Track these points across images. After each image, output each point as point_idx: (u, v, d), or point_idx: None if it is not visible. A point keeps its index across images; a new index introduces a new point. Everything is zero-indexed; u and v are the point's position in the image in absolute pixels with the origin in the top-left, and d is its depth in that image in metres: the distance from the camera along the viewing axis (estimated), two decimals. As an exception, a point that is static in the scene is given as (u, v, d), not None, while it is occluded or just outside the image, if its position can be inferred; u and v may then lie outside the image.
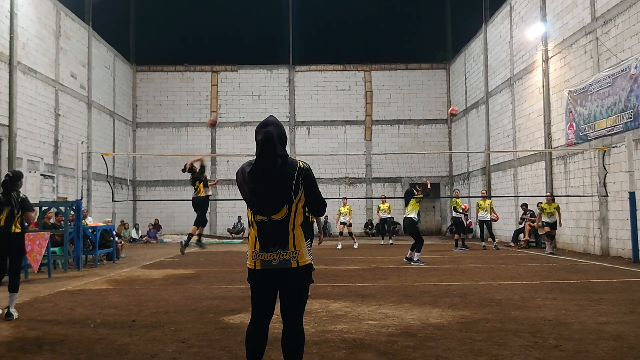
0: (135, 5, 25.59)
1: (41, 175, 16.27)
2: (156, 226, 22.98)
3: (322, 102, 25.35)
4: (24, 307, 6.58)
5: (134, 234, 21.91)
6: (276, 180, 3.01)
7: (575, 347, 4.41)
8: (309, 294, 7.01)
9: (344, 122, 25.24)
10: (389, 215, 18.66)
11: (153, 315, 6.03)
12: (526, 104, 16.95)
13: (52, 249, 10.58)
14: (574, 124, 13.99)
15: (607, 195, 12.32)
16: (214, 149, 24.79)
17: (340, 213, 17.28)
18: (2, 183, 6.26)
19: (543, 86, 15.62)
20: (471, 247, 15.54)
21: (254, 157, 3.10)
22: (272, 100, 25.21)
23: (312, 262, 3.26)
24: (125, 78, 24.22)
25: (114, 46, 22.73)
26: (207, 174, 10.34)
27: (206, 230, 22.48)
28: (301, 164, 3.11)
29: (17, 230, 6.09)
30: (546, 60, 15.49)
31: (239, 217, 23.85)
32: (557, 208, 13.46)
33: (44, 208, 11.56)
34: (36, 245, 9.57)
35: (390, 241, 18.49)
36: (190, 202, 10.16)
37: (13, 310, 5.90)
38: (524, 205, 16.42)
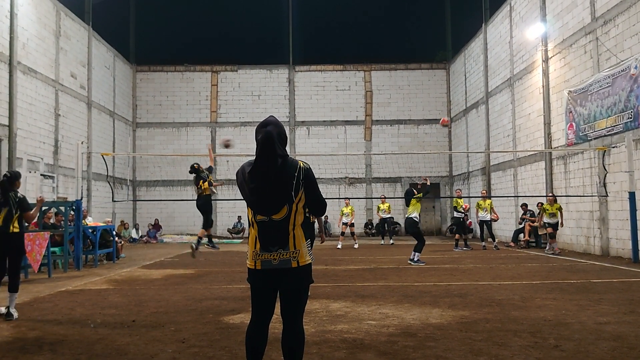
0: (135, 5, 25.59)
1: (41, 175, 16.27)
2: (156, 226, 22.98)
3: (322, 102, 25.35)
4: (24, 307, 6.58)
5: (134, 234, 21.91)
6: (276, 180, 3.01)
7: (575, 347, 4.41)
8: (309, 294, 7.03)
9: (344, 122, 25.25)
10: (388, 215, 18.66)
11: (153, 315, 6.03)
12: (526, 104, 16.95)
13: (52, 249, 10.58)
14: (574, 124, 13.99)
15: (607, 195, 12.32)
16: (214, 149, 24.77)
17: (343, 213, 17.36)
18: None
19: (543, 86, 15.62)
20: (471, 247, 15.52)
21: (254, 157, 3.10)
22: (272, 100, 25.22)
23: (312, 263, 3.25)
24: (125, 78, 24.22)
25: (114, 46, 22.73)
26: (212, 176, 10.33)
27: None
28: (301, 164, 3.11)
29: (16, 230, 6.09)
30: (546, 60, 15.49)
31: (239, 217, 23.85)
32: (560, 209, 13.40)
33: (44, 208, 11.55)
34: (36, 245, 9.56)
35: (391, 241, 18.50)
36: (195, 202, 10.12)
37: (13, 310, 5.91)
38: (524, 205, 16.42)
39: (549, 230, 13.46)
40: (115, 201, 15.85)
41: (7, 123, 14.59)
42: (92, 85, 20.32)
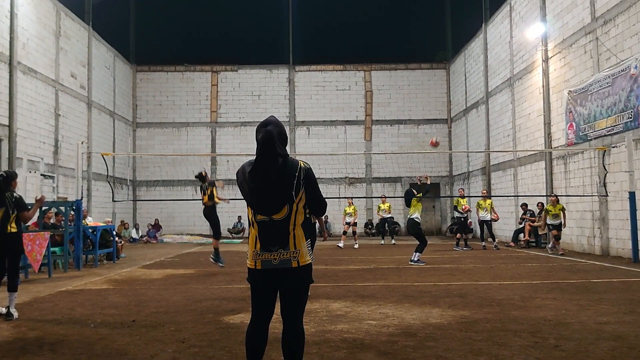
0: (135, 5, 25.60)
1: (41, 175, 16.28)
2: (156, 226, 22.98)
3: (322, 102, 25.35)
4: (24, 307, 6.59)
5: (134, 234, 21.91)
6: (277, 180, 3.01)
7: (575, 347, 4.41)
8: (309, 294, 7.03)
9: (344, 122, 25.25)
10: (389, 215, 18.67)
11: (153, 315, 6.03)
12: (526, 104, 16.95)
13: (52, 249, 10.58)
14: (574, 124, 13.99)
15: (607, 195, 12.32)
16: (214, 149, 24.80)
17: (346, 213, 17.40)
18: None
19: (543, 86, 15.62)
20: (472, 247, 15.52)
21: (255, 157, 3.10)
22: (272, 100, 25.22)
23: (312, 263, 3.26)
24: (125, 78, 24.23)
25: (114, 46, 22.74)
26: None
27: (206, 230, 22.54)
28: (302, 164, 3.11)
29: (13, 230, 6.07)
30: (546, 60, 15.49)
31: (239, 217, 23.85)
32: (562, 209, 13.21)
33: (44, 208, 11.56)
34: (36, 245, 9.57)
35: (393, 241, 18.51)
36: (203, 210, 10.32)
37: (13, 310, 5.91)
38: (524, 205, 16.42)
39: (554, 232, 13.29)
40: (115, 201, 15.85)
41: (7, 123, 14.59)
42: (92, 85, 20.32)
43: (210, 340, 4.81)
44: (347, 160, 24.31)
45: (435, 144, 12.31)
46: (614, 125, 12.18)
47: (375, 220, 23.74)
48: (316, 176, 3.20)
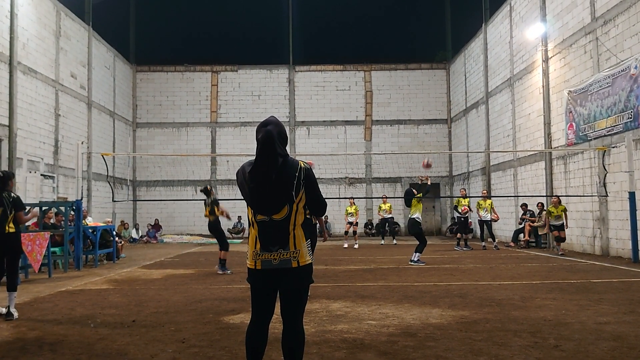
0: (135, 5, 25.60)
1: (41, 175, 16.28)
2: (156, 226, 22.98)
3: (322, 102, 25.35)
4: (24, 307, 6.59)
5: (134, 234, 21.91)
6: (277, 180, 3.01)
7: (575, 347, 4.41)
8: (309, 294, 7.03)
9: (344, 122, 25.25)
10: (389, 216, 18.70)
11: (153, 315, 6.03)
12: (526, 104, 16.95)
13: (52, 249, 10.58)
14: (573, 124, 13.99)
15: (607, 195, 12.32)
16: (214, 149, 24.80)
17: (348, 213, 17.45)
18: None
19: (543, 86, 15.62)
20: (471, 247, 15.51)
21: (254, 157, 3.10)
22: (272, 100, 25.22)
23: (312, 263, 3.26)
24: (125, 78, 24.23)
25: (114, 46, 22.74)
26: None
27: (206, 230, 22.48)
28: (302, 164, 3.12)
29: (12, 230, 6.06)
30: (546, 60, 15.49)
31: (239, 217, 23.85)
32: (564, 210, 13.13)
33: (44, 208, 11.56)
34: (36, 245, 9.57)
35: (394, 241, 18.53)
36: (207, 225, 10.46)
37: (13, 310, 5.91)
38: (524, 206, 16.43)
39: (556, 233, 13.15)
40: (115, 201, 15.85)
41: (7, 123, 14.59)
42: (92, 85, 20.32)
43: (210, 340, 4.81)
44: (347, 161, 24.31)
45: (427, 166, 12.16)
46: (614, 126, 12.18)
47: (375, 221, 23.75)
48: (316, 176, 3.20)
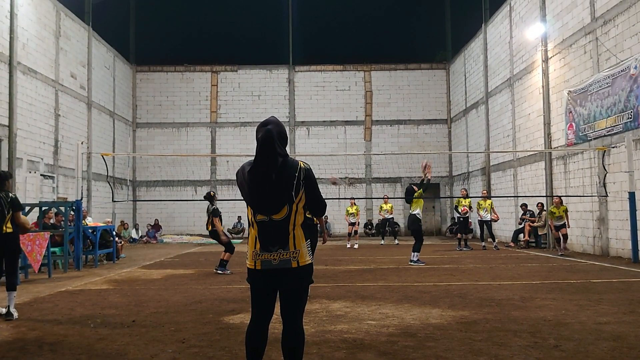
0: (135, 5, 25.60)
1: (41, 175, 16.27)
2: (156, 226, 22.98)
3: (322, 102, 25.35)
4: (24, 307, 6.59)
5: (133, 234, 21.91)
6: (277, 180, 3.01)
7: (575, 347, 4.41)
8: (308, 294, 7.03)
9: (343, 122, 25.25)
10: (391, 216, 18.73)
11: (153, 315, 6.03)
12: (526, 104, 16.95)
13: (52, 249, 10.58)
14: (573, 124, 13.99)
15: (606, 196, 12.32)
16: (214, 149, 24.80)
17: (349, 213, 17.50)
18: None
19: (543, 86, 15.62)
20: (471, 247, 15.51)
21: (254, 156, 3.10)
22: (272, 101, 25.22)
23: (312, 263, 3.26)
24: (125, 78, 24.23)
25: (114, 46, 22.74)
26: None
27: (206, 230, 22.47)
28: (302, 164, 3.12)
29: (9, 231, 6.04)
30: (546, 60, 15.49)
31: (239, 217, 23.86)
32: (566, 210, 13.08)
33: (44, 208, 11.57)
34: (36, 245, 9.57)
35: (396, 241, 18.56)
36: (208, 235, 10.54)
37: (13, 310, 5.90)
38: (524, 206, 16.43)
39: (556, 234, 13.08)
40: (115, 201, 15.84)
41: (7, 123, 14.59)
42: (92, 86, 20.32)
43: (210, 340, 4.81)
44: (347, 161, 24.31)
45: (425, 168, 11.36)
46: (614, 126, 12.18)
47: (375, 221, 23.76)
48: (316, 176, 3.20)
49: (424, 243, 11.70)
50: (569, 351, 4.31)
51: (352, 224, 17.40)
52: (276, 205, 3.03)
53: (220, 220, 10.21)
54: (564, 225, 13.07)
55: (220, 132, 25.08)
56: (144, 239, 22.00)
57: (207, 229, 10.29)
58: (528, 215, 16.11)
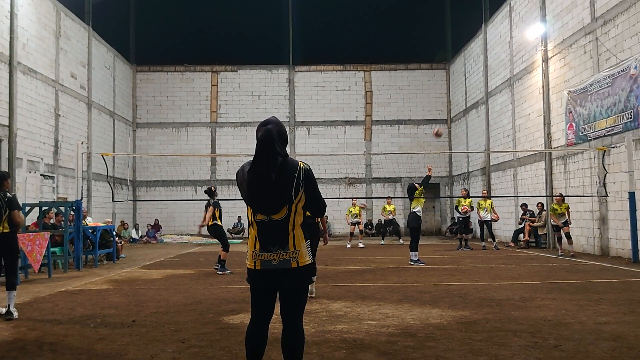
0: (135, 5, 25.60)
1: (41, 175, 16.27)
2: (156, 226, 22.98)
3: (322, 102, 25.35)
4: (24, 307, 6.59)
5: (134, 234, 21.91)
6: (276, 180, 3.01)
7: (575, 347, 4.41)
8: (308, 294, 7.03)
9: (344, 122, 25.25)
10: (393, 217, 18.76)
11: (153, 315, 6.03)
12: (526, 104, 16.95)
13: (52, 249, 10.58)
14: (573, 124, 13.99)
15: (606, 195, 12.32)
16: (214, 149, 24.80)
17: (351, 213, 17.56)
18: None
19: (543, 86, 15.62)
20: (471, 247, 15.51)
21: (254, 156, 3.10)
22: (272, 101, 25.22)
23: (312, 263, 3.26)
24: (125, 78, 24.23)
25: (114, 46, 22.74)
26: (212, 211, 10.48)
27: (206, 230, 22.45)
28: (302, 165, 3.12)
29: (6, 231, 6.04)
30: (546, 60, 15.49)
31: (239, 217, 23.86)
32: (568, 208, 12.97)
33: (44, 208, 11.57)
34: (36, 245, 9.57)
35: (401, 241, 18.61)
36: (207, 228, 10.45)
37: (13, 310, 5.90)
38: (524, 206, 16.43)
39: (558, 234, 13.02)
40: (115, 201, 15.84)
41: (7, 123, 14.59)
42: (92, 86, 20.32)
43: (210, 340, 4.81)
44: (347, 161, 24.31)
45: (437, 135, 12.50)
46: (614, 126, 12.18)
47: (375, 221, 23.75)
48: (316, 176, 3.20)
49: (420, 243, 11.75)
50: (569, 351, 4.31)
51: (355, 224, 17.49)
52: (276, 205, 3.03)
53: (220, 215, 10.19)
54: (565, 223, 12.92)
55: (220, 132, 25.07)
56: (144, 239, 22.00)
57: (208, 223, 10.25)
58: (528, 215, 16.11)
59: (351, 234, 17.65)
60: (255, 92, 25.29)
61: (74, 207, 11.50)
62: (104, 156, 13.42)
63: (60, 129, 17.70)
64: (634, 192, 11.16)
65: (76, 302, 6.99)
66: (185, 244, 20.62)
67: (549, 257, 12.56)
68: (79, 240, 11.25)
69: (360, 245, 16.92)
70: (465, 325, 5.28)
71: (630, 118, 11.55)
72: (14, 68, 14.86)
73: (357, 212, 17.53)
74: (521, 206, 16.60)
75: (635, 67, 11.29)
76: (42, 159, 16.37)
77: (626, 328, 5.07)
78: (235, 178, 3.27)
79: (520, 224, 16.72)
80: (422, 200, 11.49)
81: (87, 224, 12.50)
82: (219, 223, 10.22)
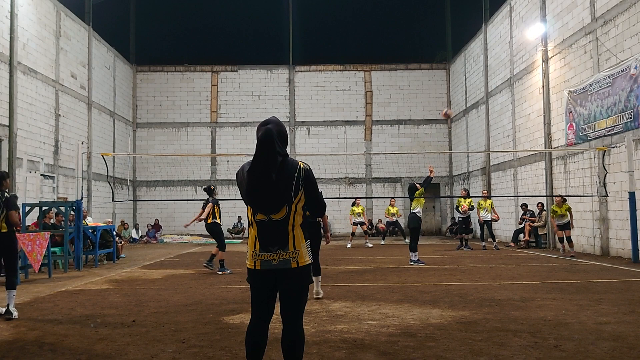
0: (135, 5, 25.60)
1: (41, 175, 16.27)
2: (156, 226, 22.98)
3: (322, 102, 25.35)
4: (24, 307, 6.59)
5: (134, 234, 21.91)
6: (276, 180, 3.01)
7: (575, 347, 4.41)
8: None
9: (344, 122, 25.25)
10: (396, 219, 18.77)
11: (153, 315, 6.03)
12: (526, 104, 16.95)
13: (52, 249, 10.59)
14: (574, 124, 13.99)
15: (607, 195, 12.32)
16: (214, 149, 24.80)
17: (355, 213, 17.57)
18: None
19: (543, 86, 15.62)
20: (471, 247, 15.51)
21: (253, 155, 3.10)
22: (272, 101, 25.22)
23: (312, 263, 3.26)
24: (125, 78, 24.23)
25: (114, 46, 22.74)
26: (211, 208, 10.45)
27: (206, 230, 22.47)
28: (302, 165, 3.12)
29: (4, 231, 6.03)
30: (546, 60, 15.49)
31: (239, 217, 23.86)
32: (569, 209, 12.89)
33: (44, 208, 11.57)
34: (36, 245, 9.56)
35: (407, 240, 18.60)
36: (205, 225, 10.45)
37: (12, 309, 5.90)
38: (524, 206, 16.43)
39: (560, 233, 12.95)
40: (115, 201, 15.84)
41: (7, 123, 14.59)
42: (92, 86, 20.32)
43: (210, 340, 4.81)
44: (347, 161, 24.31)
45: (447, 116, 12.60)
46: (614, 126, 12.18)
47: (375, 221, 23.74)
48: (316, 176, 3.21)
49: (419, 243, 11.77)
50: (569, 351, 4.31)
51: (357, 224, 17.53)
52: (275, 205, 3.03)
53: (220, 213, 10.19)
54: (567, 224, 12.85)
55: (221, 132, 25.08)
56: (144, 239, 22.00)
57: (208, 220, 10.21)
58: (528, 215, 16.11)
59: (353, 233, 17.66)
60: (256, 92, 25.29)
61: (74, 207, 11.50)
62: (104, 156, 13.42)
63: (60, 129, 17.71)
64: (634, 192, 11.16)
65: (76, 302, 6.99)
66: (185, 244, 20.62)
67: (549, 257, 12.56)
68: (79, 240, 11.25)
69: (369, 245, 16.93)
70: (465, 325, 5.28)
71: (631, 118, 11.55)
72: (14, 68, 14.86)
73: (361, 211, 17.55)
74: (521, 206, 16.60)
75: (636, 67, 11.29)
76: (42, 159, 16.37)
77: (626, 328, 5.07)
78: (235, 178, 3.27)
79: (520, 224, 16.72)
80: (422, 200, 11.52)
81: (87, 224, 12.50)
82: (218, 221, 10.21)
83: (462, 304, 6.48)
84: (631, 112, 11.53)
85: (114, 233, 13.31)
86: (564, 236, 12.92)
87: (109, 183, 14.96)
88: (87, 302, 7.03)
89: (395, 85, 25.44)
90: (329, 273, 9.80)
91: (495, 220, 16.20)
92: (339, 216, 23.68)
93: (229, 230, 23.71)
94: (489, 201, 15.63)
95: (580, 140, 13.68)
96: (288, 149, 3.32)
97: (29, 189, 15.30)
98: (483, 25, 20.75)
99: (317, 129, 25.22)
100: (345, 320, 5.58)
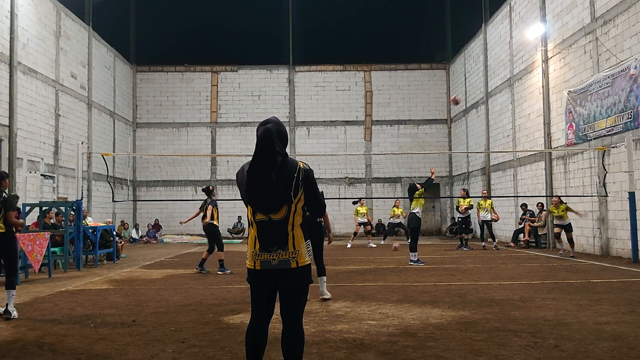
0: (135, 5, 25.60)
1: (41, 175, 16.27)
2: (156, 226, 22.98)
3: (322, 103, 25.36)
4: (24, 307, 6.59)
5: (134, 234, 21.92)
6: (276, 180, 3.01)
7: (575, 347, 4.41)
8: (308, 294, 7.02)
9: (344, 122, 25.25)
10: (399, 220, 18.76)
11: (153, 315, 6.03)
12: (526, 104, 16.96)
13: (52, 249, 10.58)
14: (573, 124, 13.99)
15: (606, 195, 12.32)
16: (214, 149, 24.80)
17: (359, 213, 17.60)
18: None
19: (543, 86, 15.62)
20: (471, 247, 15.51)
21: (253, 154, 3.10)
22: (272, 101, 25.22)
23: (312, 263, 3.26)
24: (125, 78, 24.23)
25: (114, 46, 22.74)
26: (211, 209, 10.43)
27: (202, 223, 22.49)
28: (301, 165, 3.12)
29: (1, 231, 6.02)
30: (546, 60, 15.49)
31: (239, 217, 23.86)
32: (567, 210, 12.77)
33: (44, 208, 11.57)
34: (36, 245, 9.56)
35: (409, 240, 18.61)
36: (202, 226, 10.45)
37: (12, 309, 5.89)
38: (524, 206, 16.43)
39: (558, 230, 12.96)
40: (115, 201, 15.84)
41: (7, 123, 14.59)
42: (92, 86, 20.32)
43: (210, 340, 4.81)
44: (347, 161, 24.31)
45: (455, 102, 12.63)
46: (614, 126, 12.18)
47: (376, 221, 23.73)
48: (316, 176, 3.21)
49: (419, 243, 11.78)
50: (569, 351, 4.31)
51: (363, 224, 17.57)
52: (275, 205, 3.04)
53: (217, 215, 10.19)
54: (569, 226, 12.73)
55: (221, 132, 25.08)
56: (144, 239, 22.00)
57: (203, 221, 10.22)
58: (528, 215, 16.11)
59: (355, 233, 17.67)
60: (255, 92, 25.29)
61: (74, 207, 11.50)
62: (104, 156, 13.41)
63: (60, 129, 17.71)
64: (634, 192, 11.16)
65: (76, 302, 6.99)
66: (185, 244, 20.62)
67: (549, 257, 12.56)
68: (79, 240, 11.25)
69: (372, 245, 16.92)
70: (465, 325, 5.28)
71: (630, 118, 11.55)
72: (14, 68, 14.87)
73: (365, 212, 17.59)
74: (521, 206, 16.60)
75: (635, 67, 11.29)
76: (42, 159, 16.36)
77: (626, 328, 5.07)
78: (235, 178, 3.27)
79: (520, 224, 16.72)
80: (422, 201, 11.53)
81: (87, 224, 12.50)
82: (215, 223, 10.21)
83: (462, 304, 6.48)
84: (631, 112, 11.53)
85: (114, 233, 13.32)
86: (565, 238, 12.88)
87: (109, 183, 14.96)
88: (87, 302, 7.03)
89: (395, 85, 25.44)
90: (329, 273, 9.77)
91: (495, 220, 16.20)
92: (339, 216, 23.68)
93: (228, 230, 23.71)
94: (488, 201, 15.62)
95: (580, 141, 13.69)
96: (288, 149, 3.33)
97: (29, 189, 15.30)
98: (483, 25, 20.75)
99: (317, 129, 25.22)
100: (345, 320, 5.58)
